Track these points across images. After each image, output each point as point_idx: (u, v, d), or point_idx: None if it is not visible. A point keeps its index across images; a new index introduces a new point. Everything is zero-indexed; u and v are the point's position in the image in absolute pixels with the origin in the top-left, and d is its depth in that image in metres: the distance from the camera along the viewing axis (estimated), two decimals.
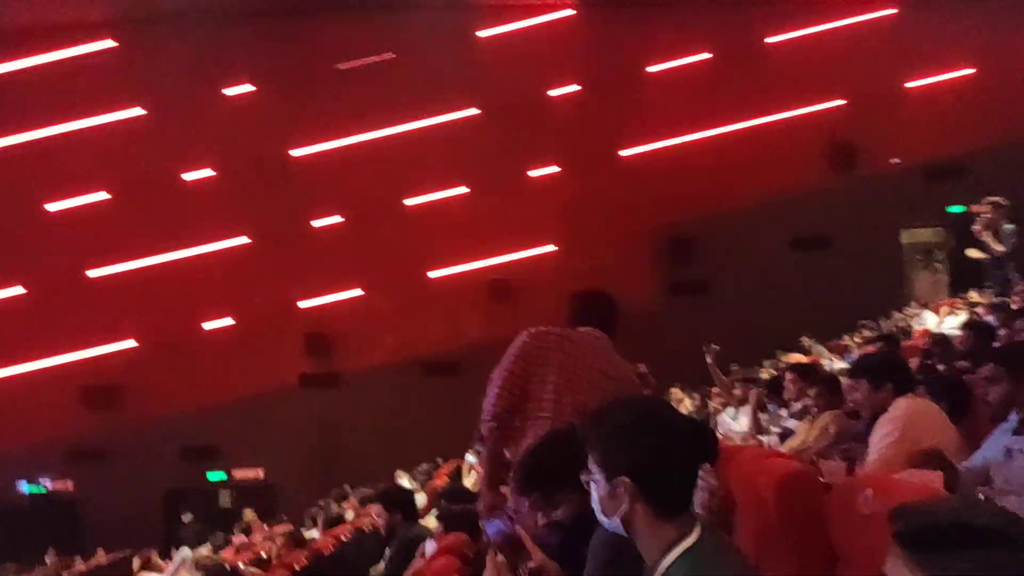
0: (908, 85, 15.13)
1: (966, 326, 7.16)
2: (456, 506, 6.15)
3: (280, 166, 15.41)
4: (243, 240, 15.41)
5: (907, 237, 15.58)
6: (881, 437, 3.92)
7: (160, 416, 14.26)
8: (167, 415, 14.27)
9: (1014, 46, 14.78)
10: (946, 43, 14.67)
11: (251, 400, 14.27)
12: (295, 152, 15.53)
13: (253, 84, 15.56)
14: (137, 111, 15.35)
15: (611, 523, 1.82)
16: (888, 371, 4.11)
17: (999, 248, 8.12)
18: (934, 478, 3.44)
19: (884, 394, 4.07)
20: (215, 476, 14.47)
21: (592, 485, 1.83)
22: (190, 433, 14.23)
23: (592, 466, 1.84)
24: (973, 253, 8.40)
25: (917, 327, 12.29)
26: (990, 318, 10.51)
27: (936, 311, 12.65)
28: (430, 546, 4.97)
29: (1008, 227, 8.40)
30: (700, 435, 1.91)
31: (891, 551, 1.36)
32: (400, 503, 5.91)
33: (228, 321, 15.21)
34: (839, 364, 11.06)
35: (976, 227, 8.20)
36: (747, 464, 3.74)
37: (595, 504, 1.83)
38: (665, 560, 1.75)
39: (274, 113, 15.29)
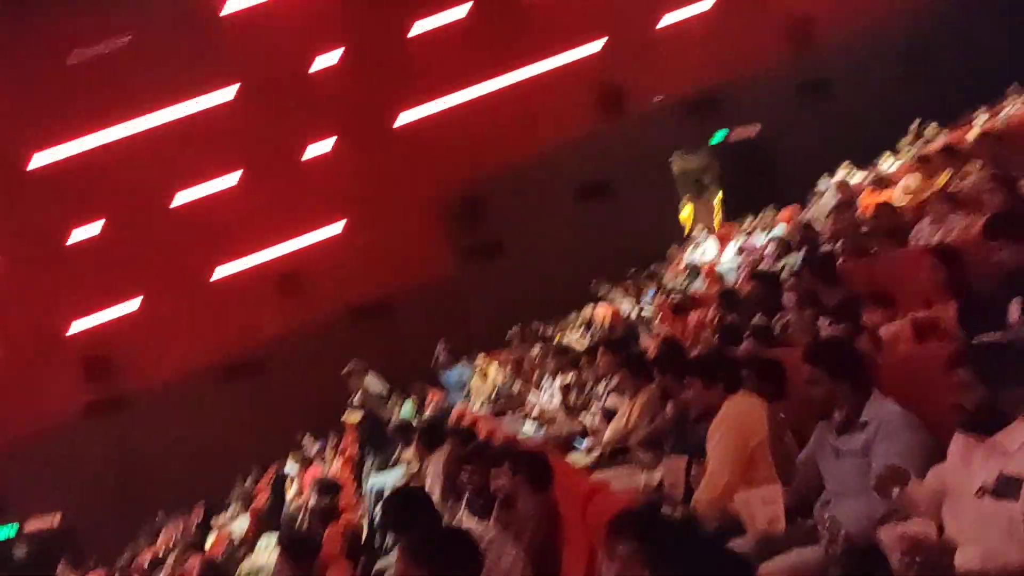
0: (660, 25, 15.58)
1: (754, 276, 7.49)
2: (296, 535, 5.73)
3: (20, 176, 13.80)
4: None
5: (677, 166, 16.29)
6: (717, 441, 4.00)
7: None
8: None
9: None
10: None
11: (32, 441, 12.94)
12: (36, 158, 13.94)
13: None
14: None
15: None
16: (719, 371, 4.21)
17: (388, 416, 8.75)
18: (775, 493, 3.51)
19: (715, 393, 4.18)
20: (3, 533, 13.07)
21: None
22: None
23: None
24: (351, 418, 8.93)
25: (702, 259, 12.95)
26: (760, 242, 11.21)
27: (720, 240, 13.36)
28: None
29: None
30: None
31: None
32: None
33: None
34: (637, 307, 11.50)
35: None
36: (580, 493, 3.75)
37: None
38: None
39: (4, 118, 13.62)
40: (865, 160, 12.69)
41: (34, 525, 13.03)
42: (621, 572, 2.26)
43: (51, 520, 13.02)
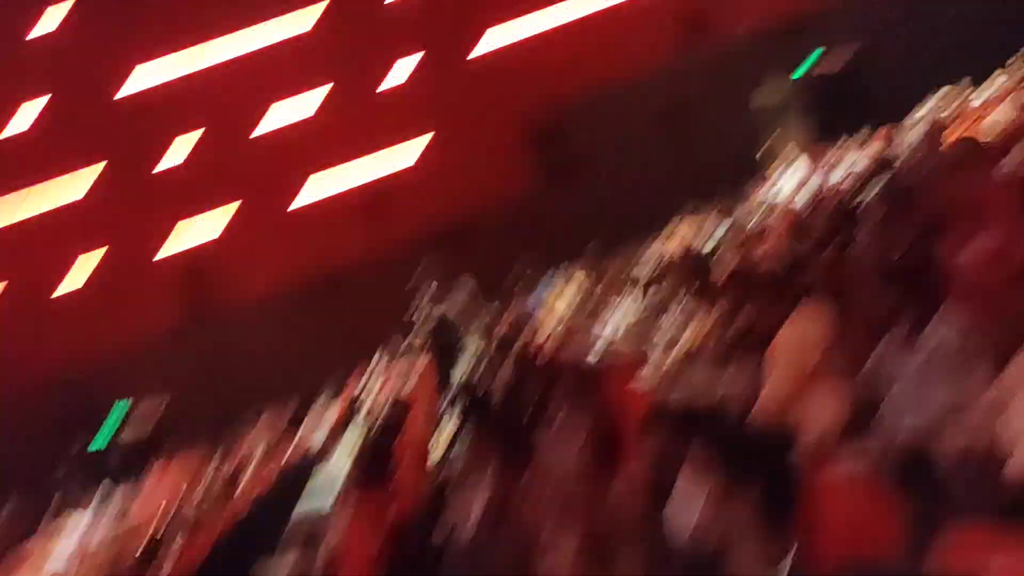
0: None
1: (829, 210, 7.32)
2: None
3: (106, 104, 14.34)
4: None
5: (760, 98, 15.85)
6: (777, 356, 4.01)
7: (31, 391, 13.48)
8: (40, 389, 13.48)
9: None
10: None
11: (127, 359, 13.64)
12: (120, 87, 14.43)
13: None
14: None
15: None
16: (782, 290, 4.21)
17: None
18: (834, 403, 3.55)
19: (778, 311, 4.16)
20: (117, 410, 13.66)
21: None
22: (72, 404, 13.54)
23: None
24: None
25: (782, 191, 12.61)
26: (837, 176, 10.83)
27: (813, 159, 12.81)
28: None
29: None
30: None
31: None
32: None
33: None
34: (710, 240, 11.37)
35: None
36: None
37: None
38: None
39: (88, 46, 14.08)
40: (980, 78, 11.71)
41: (128, 435, 13.73)
42: (654, 470, 2.23)
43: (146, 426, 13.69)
